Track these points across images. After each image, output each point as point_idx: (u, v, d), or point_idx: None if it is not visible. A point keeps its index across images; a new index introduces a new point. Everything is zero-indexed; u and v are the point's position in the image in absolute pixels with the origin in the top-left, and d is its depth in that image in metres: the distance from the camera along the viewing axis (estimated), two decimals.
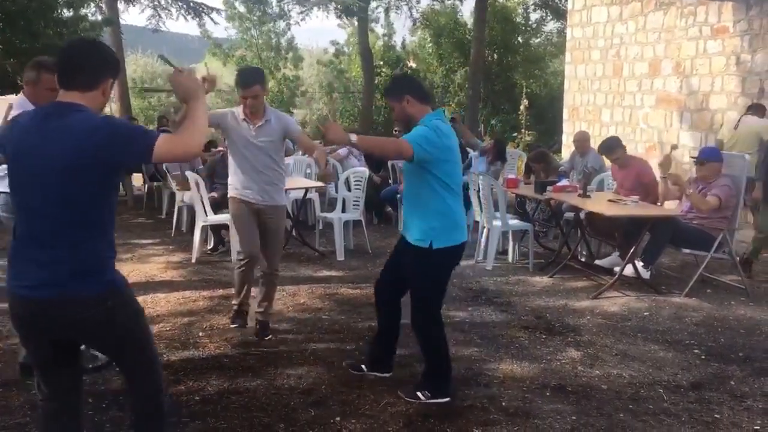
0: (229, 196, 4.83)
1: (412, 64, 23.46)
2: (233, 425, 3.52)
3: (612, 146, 6.97)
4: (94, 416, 3.58)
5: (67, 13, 11.94)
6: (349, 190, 8.07)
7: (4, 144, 2.51)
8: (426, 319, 3.83)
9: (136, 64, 30.03)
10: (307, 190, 8.05)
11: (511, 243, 7.32)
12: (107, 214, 2.45)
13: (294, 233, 7.91)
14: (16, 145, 2.42)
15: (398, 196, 8.22)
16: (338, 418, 3.60)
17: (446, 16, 21.78)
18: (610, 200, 6.43)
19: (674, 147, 7.44)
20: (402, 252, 3.91)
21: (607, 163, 7.73)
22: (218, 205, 7.41)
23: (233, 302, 5.06)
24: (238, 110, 4.67)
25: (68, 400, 2.63)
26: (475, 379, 4.14)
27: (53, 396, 2.60)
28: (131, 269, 6.75)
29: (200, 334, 4.90)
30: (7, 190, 3.59)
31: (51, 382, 2.59)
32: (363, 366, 4.15)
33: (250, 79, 4.60)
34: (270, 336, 4.85)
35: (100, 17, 16.47)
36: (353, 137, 3.60)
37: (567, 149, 12.57)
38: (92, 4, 14.22)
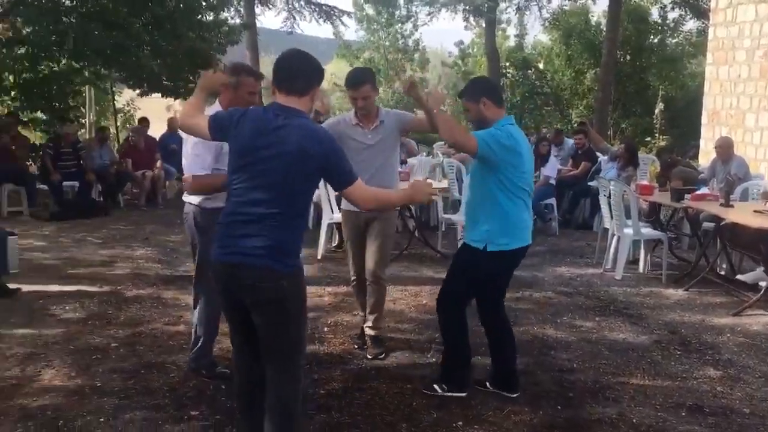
0: (341, 208, 4.75)
1: (540, 65, 22.93)
2: (356, 421, 3.57)
3: None
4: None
5: (208, 17, 12.60)
6: None
7: (224, 127, 2.84)
8: (448, 311, 3.87)
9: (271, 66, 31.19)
10: None
11: (642, 252, 6.99)
12: (306, 210, 2.84)
13: (416, 234, 7.93)
14: (246, 136, 2.73)
15: None
16: (460, 423, 3.57)
17: (577, 16, 21.14)
18: (756, 211, 5.98)
19: None
20: None
21: (753, 171, 7.21)
22: None
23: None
24: (350, 115, 4.50)
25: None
26: (603, 393, 3.98)
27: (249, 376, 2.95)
28: None
29: (325, 329, 5.00)
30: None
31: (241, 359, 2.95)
32: (487, 383, 3.97)
33: (359, 79, 4.33)
34: (383, 354, 4.50)
35: (239, 21, 17.29)
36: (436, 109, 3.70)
37: (705, 156, 11.86)
38: (232, 8, 14.92)
